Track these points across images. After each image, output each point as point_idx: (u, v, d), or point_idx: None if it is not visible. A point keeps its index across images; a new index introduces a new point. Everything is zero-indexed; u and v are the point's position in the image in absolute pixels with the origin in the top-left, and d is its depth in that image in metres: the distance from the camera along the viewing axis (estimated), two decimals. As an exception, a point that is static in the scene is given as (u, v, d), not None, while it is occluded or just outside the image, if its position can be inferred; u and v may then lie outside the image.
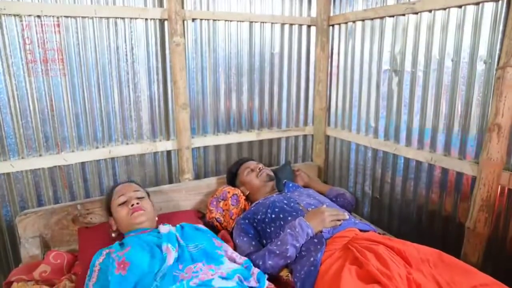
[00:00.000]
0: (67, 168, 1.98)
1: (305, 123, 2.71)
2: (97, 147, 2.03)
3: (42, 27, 1.80)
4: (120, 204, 1.56)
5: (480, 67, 1.65)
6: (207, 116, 2.31)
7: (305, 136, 2.74)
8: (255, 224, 1.74)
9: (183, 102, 2.14)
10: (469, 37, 1.68)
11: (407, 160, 2.06)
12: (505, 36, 1.49)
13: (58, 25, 1.83)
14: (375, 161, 2.30)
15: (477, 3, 1.62)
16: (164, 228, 1.48)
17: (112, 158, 2.08)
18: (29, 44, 1.78)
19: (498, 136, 1.52)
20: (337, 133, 2.59)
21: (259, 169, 2.04)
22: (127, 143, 2.11)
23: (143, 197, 1.62)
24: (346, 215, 1.59)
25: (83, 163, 2.01)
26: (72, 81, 1.91)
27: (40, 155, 1.90)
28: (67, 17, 1.84)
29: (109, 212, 1.64)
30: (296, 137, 2.71)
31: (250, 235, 1.70)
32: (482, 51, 1.63)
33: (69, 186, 2.00)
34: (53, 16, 1.81)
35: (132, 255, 1.31)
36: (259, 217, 1.73)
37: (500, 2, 1.54)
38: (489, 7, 1.59)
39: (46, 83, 1.85)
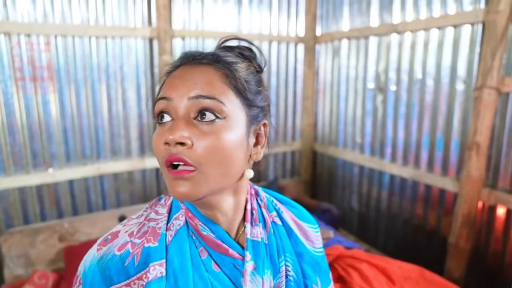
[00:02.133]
0: (54, 185, 1.97)
1: (293, 139, 2.75)
2: (85, 164, 2.03)
3: (31, 45, 1.81)
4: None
5: (460, 87, 1.71)
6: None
7: (293, 152, 2.78)
8: None
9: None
10: (449, 58, 1.74)
11: (392, 176, 2.11)
12: (481, 58, 1.56)
13: (48, 44, 1.85)
14: (361, 177, 2.34)
15: (455, 26, 1.69)
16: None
17: (101, 175, 2.08)
18: (18, 62, 1.79)
19: (477, 155, 1.57)
20: (324, 149, 2.63)
21: None
22: (116, 160, 2.11)
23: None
24: (331, 233, 1.61)
25: (71, 180, 2.01)
26: (61, 98, 1.92)
27: (28, 172, 1.89)
28: (57, 35, 1.86)
29: None
30: (284, 152, 2.74)
31: None
32: (461, 71, 1.70)
33: (56, 203, 1.99)
34: (43, 35, 1.83)
35: None
36: None
37: (476, 25, 1.61)
38: (467, 29, 1.66)
39: (35, 101, 1.86)
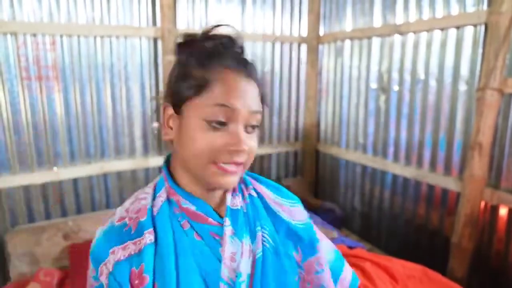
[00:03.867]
0: (59, 184, 1.99)
1: (296, 139, 2.76)
2: (89, 163, 2.05)
3: (37, 45, 1.83)
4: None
5: (463, 87, 1.72)
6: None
7: (295, 152, 2.79)
8: None
9: (176, 119, 2.17)
10: (452, 58, 1.75)
11: (394, 176, 2.11)
12: (484, 59, 1.57)
13: (53, 43, 1.87)
14: (364, 177, 2.35)
15: (458, 27, 1.70)
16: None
17: (104, 174, 2.09)
18: (24, 62, 1.81)
19: (480, 155, 1.58)
20: (327, 149, 2.64)
21: None
22: (120, 159, 2.13)
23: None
24: (335, 233, 1.62)
25: (75, 179, 2.02)
26: (66, 97, 1.93)
27: (32, 171, 1.91)
28: (62, 35, 1.87)
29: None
30: (287, 152, 2.75)
31: None
32: (464, 71, 1.70)
33: (61, 202, 2.01)
34: (48, 35, 1.84)
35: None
36: None
37: (478, 27, 1.62)
38: (469, 30, 1.66)
39: (40, 100, 1.87)
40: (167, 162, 0.72)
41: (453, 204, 1.81)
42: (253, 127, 0.64)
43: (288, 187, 0.80)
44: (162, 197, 0.68)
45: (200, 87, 0.61)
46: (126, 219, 0.66)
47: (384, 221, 2.23)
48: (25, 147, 1.87)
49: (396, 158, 2.10)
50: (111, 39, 1.99)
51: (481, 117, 1.56)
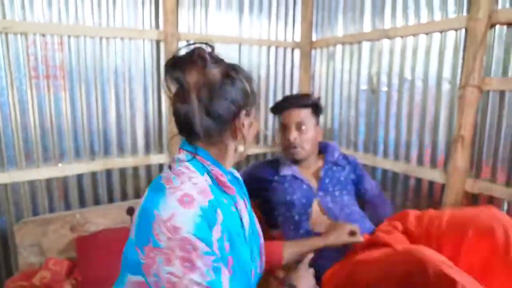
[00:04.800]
0: (64, 179, 2.05)
1: (289, 139, 2.87)
2: (93, 159, 2.12)
3: (46, 45, 1.91)
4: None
5: (446, 87, 1.87)
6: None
7: (289, 152, 2.90)
8: None
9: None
10: (436, 61, 1.90)
11: (384, 171, 2.25)
12: (464, 61, 1.72)
13: (61, 44, 1.95)
14: (355, 174, 2.47)
15: (441, 32, 1.85)
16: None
17: (108, 170, 2.17)
18: (33, 61, 1.89)
19: (462, 147, 1.72)
20: (319, 149, 2.76)
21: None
22: (122, 156, 2.21)
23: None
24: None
25: (80, 175, 2.09)
26: (72, 97, 2.01)
27: (38, 167, 1.97)
28: (70, 36, 1.96)
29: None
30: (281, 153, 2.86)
31: None
32: (447, 73, 1.86)
33: (65, 197, 2.07)
34: (57, 35, 1.93)
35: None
36: None
37: (459, 31, 1.78)
38: (451, 35, 1.82)
39: (47, 98, 1.95)
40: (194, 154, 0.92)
41: (438, 195, 1.94)
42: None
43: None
44: (208, 180, 0.88)
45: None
46: (207, 199, 0.83)
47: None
48: (32, 144, 1.94)
49: (385, 154, 2.24)
50: (116, 41, 2.09)
51: (462, 113, 1.71)
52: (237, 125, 0.89)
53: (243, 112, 0.91)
